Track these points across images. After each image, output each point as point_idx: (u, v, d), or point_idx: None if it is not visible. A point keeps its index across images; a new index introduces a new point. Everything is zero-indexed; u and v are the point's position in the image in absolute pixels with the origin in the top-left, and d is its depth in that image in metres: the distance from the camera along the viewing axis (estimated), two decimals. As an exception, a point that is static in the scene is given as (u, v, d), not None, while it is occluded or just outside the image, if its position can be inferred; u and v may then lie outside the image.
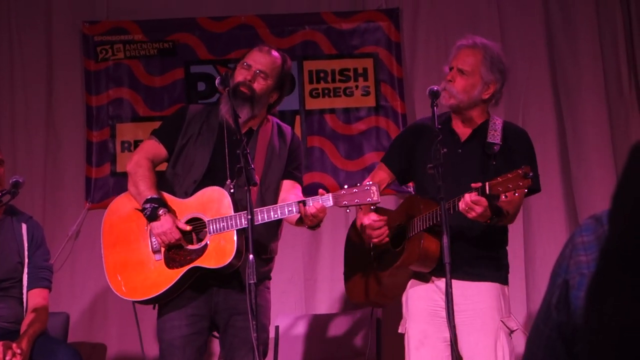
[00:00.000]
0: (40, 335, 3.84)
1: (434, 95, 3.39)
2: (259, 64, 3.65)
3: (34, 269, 3.96)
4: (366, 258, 3.72)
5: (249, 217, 3.15)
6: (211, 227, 3.47)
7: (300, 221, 3.50)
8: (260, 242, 3.55)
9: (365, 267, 3.73)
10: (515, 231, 4.94)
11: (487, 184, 3.21)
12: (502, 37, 5.30)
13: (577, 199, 5.13)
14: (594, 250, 1.20)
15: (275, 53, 3.71)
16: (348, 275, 3.85)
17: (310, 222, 3.41)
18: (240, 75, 3.62)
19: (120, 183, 5.01)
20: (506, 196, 3.23)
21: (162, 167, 3.80)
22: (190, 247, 3.50)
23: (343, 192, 3.35)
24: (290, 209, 3.39)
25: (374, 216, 3.54)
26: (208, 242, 3.47)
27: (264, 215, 3.40)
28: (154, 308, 3.66)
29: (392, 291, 3.71)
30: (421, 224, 3.43)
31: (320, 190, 3.40)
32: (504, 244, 3.60)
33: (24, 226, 4.02)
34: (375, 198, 3.31)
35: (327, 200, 3.35)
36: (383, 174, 3.73)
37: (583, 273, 1.21)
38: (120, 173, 5.12)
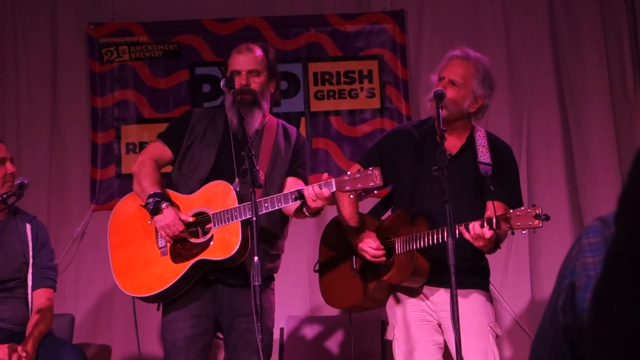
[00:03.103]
0: (46, 336, 3.84)
1: (439, 97, 3.39)
2: (245, 65, 3.67)
3: (38, 269, 3.97)
4: (348, 264, 3.70)
5: (254, 219, 3.16)
6: (216, 220, 3.48)
7: (298, 211, 3.50)
8: (267, 237, 3.56)
9: (346, 274, 3.71)
10: (520, 233, 4.94)
11: (493, 218, 3.22)
12: (506, 39, 5.31)
13: (582, 200, 5.13)
14: (601, 252, 1.20)
15: (255, 48, 3.73)
16: (326, 280, 3.83)
17: (314, 204, 3.36)
18: (236, 83, 3.63)
19: (125, 185, 5.01)
20: (513, 232, 3.26)
21: (167, 170, 3.81)
22: (195, 240, 3.51)
23: (345, 177, 3.34)
24: (293, 196, 3.38)
25: (373, 243, 3.54)
26: (213, 235, 3.48)
27: (267, 205, 3.40)
28: (158, 309, 3.66)
29: (376, 301, 3.71)
30: (414, 243, 3.43)
31: (324, 175, 3.39)
32: (484, 252, 3.60)
33: (28, 226, 4.02)
34: (378, 182, 3.29)
35: (330, 184, 3.34)
36: None
37: (589, 274, 1.21)
38: (126, 175, 5.13)
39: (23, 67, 5.28)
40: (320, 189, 3.32)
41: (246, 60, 3.68)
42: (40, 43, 5.30)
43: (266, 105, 3.72)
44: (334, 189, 3.34)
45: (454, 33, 5.26)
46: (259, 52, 3.71)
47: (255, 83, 3.66)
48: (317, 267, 3.88)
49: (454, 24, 5.33)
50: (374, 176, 3.29)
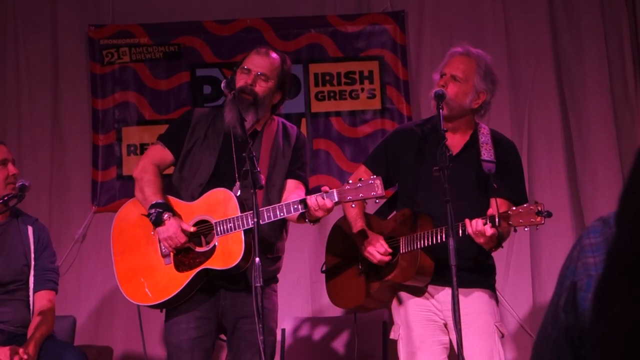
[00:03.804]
0: (47, 338, 3.84)
1: (440, 97, 3.39)
2: (258, 67, 3.65)
3: (40, 271, 3.97)
4: (353, 265, 3.70)
5: (255, 220, 3.16)
6: (219, 228, 3.47)
7: (301, 217, 3.50)
8: (265, 241, 3.55)
9: (351, 274, 3.71)
10: (521, 232, 4.94)
11: (496, 215, 3.21)
12: (507, 38, 5.31)
13: (583, 200, 5.13)
14: (602, 252, 1.20)
15: (273, 54, 3.71)
16: (332, 280, 3.83)
17: (316, 214, 3.37)
18: (241, 80, 3.61)
19: (126, 186, 5.02)
20: (515, 230, 3.26)
21: (169, 171, 3.81)
22: (198, 249, 3.51)
23: (347, 187, 3.35)
24: (295, 206, 3.39)
25: (381, 240, 3.53)
26: (216, 244, 3.48)
27: (270, 214, 3.40)
28: (161, 311, 3.66)
29: (381, 300, 3.71)
30: (418, 242, 3.43)
31: (324, 188, 3.39)
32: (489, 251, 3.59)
33: (30, 228, 4.03)
34: (379, 192, 3.30)
35: (332, 195, 3.34)
36: (366, 177, 3.71)
37: (591, 275, 1.21)
38: (127, 176, 5.13)
39: (24, 69, 5.29)
40: (323, 199, 3.33)
41: (261, 63, 3.66)
42: (41, 45, 5.31)
43: (263, 113, 3.68)
44: (336, 199, 3.34)
45: (454, 33, 5.26)
46: (276, 59, 3.69)
47: (261, 87, 3.64)
48: (324, 268, 3.88)
49: (454, 24, 5.33)
50: (376, 186, 3.30)
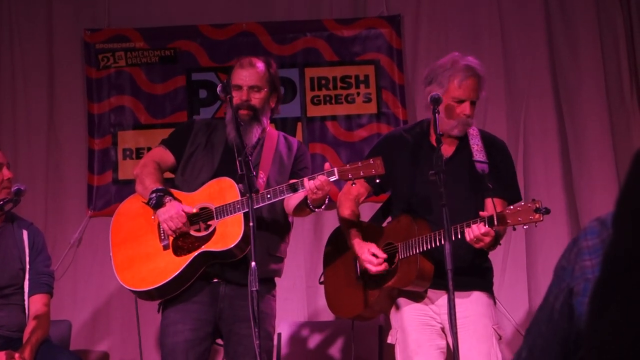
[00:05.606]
0: (43, 342, 3.84)
1: (436, 101, 3.38)
2: (247, 80, 3.69)
3: (35, 275, 3.96)
4: (351, 272, 3.68)
5: (251, 224, 3.16)
6: (218, 213, 3.50)
7: (301, 206, 3.50)
8: (271, 237, 3.60)
9: (350, 283, 3.68)
10: (517, 234, 4.95)
11: (494, 215, 3.21)
12: (503, 41, 5.31)
13: (579, 203, 5.13)
14: (599, 254, 1.20)
15: (257, 63, 3.74)
16: (330, 289, 3.81)
17: (315, 196, 3.37)
18: (235, 98, 3.63)
19: (122, 191, 5.01)
20: (514, 228, 3.25)
21: (169, 176, 3.83)
22: (197, 234, 3.53)
23: (347, 166, 3.36)
24: (295, 187, 3.39)
25: (374, 249, 3.52)
26: (215, 228, 3.51)
27: (270, 196, 3.42)
28: (158, 311, 3.66)
29: (379, 310, 3.70)
30: (417, 247, 3.42)
31: (326, 165, 3.40)
32: (486, 252, 3.58)
33: (24, 232, 4.02)
34: (380, 170, 3.32)
35: (333, 173, 3.35)
36: (360, 188, 3.69)
37: (588, 278, 1.21)
38: (122, 181, 5.13)
39: (19, 73, 5.28)
40: (322, 177, 3.34)
41: (248, 76, 3.69)
42: (36, 49, 5.30)
43: (266, 121, 3.75)
44: (337, 177, 3.35)
45: (450, 37, 5.27)
46: (261, 67, 3.72)
47: (256, 99, 3.68)
48: (322, 279, 3.86)
49: (450, 28, 5.34)
50: (376, 165, 3.33)
